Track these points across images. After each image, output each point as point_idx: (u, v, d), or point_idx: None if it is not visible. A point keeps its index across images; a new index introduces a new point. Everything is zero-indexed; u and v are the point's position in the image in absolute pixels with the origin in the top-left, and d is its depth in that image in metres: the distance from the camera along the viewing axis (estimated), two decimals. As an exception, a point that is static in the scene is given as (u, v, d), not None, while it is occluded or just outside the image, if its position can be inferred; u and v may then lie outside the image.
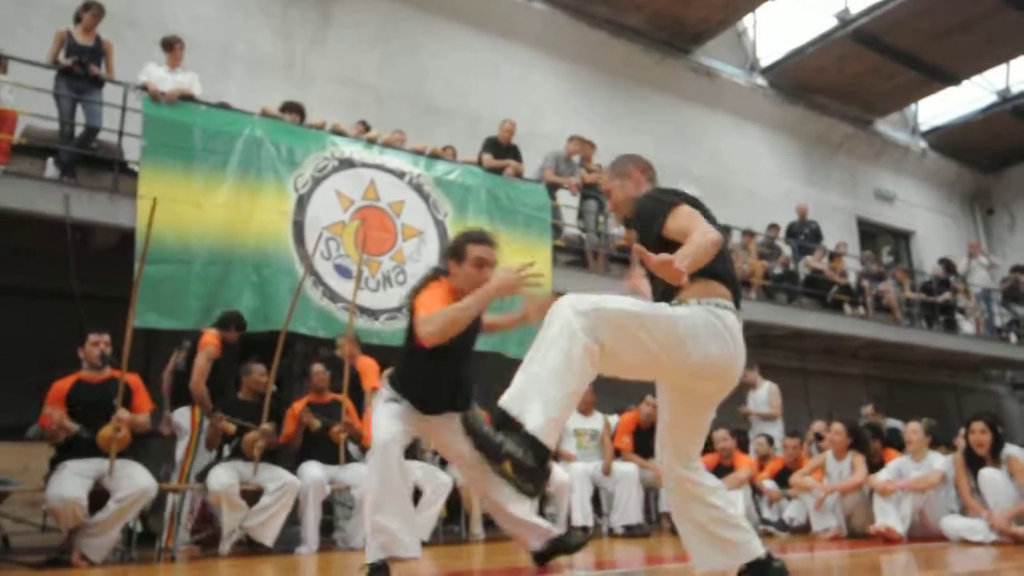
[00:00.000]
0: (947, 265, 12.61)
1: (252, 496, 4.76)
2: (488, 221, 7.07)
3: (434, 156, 7.45)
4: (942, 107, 14.87)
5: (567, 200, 8.53)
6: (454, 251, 3.11)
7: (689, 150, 12.31)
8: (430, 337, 2.85)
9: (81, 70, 6.06)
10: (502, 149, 8.07)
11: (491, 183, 7.55)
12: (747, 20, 12.84)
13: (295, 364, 7.04)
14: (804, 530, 6.15)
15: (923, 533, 5.51)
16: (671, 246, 2.23)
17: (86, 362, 4.54)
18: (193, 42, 6.98)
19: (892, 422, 8.85)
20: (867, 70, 12.92)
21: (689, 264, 2.07)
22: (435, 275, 3.16)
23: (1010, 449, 5.29)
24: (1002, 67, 13.51)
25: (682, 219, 2.37)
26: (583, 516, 5.90)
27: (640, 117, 11.88)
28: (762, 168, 13.36)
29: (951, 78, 13.34)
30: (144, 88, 6.06)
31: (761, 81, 13.29)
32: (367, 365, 5.75)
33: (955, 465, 5.59)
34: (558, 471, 6.04)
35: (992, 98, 14.23)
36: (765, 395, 8.22)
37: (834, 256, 11.29)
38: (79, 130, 6.11)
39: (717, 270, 2.42)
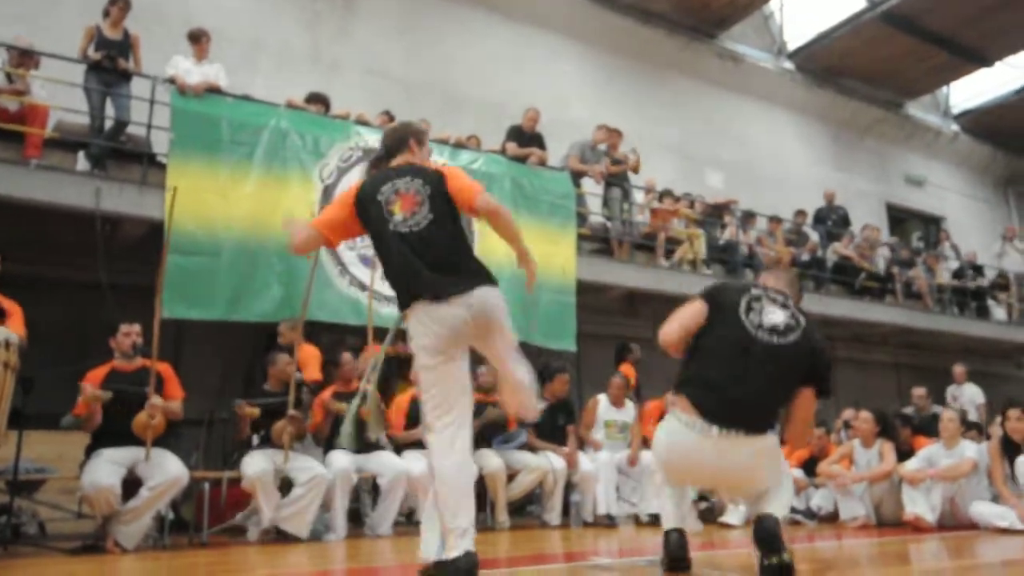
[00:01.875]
0: (974, 267, 12.42)
1: (281, 484, 4.82)
2: (513, 209, 7.04)
3: (458, 145, 7.45)
4: (975, 89, 14.53)
5: (592, 188, 8.49)
6: (416, 137, 3.08)
7: (716, 136, 12.18)
8: (491, 208, 2.79)
9: (110, 64, 6.14)
10: (526, 137, 8.04)
11: (515, 171, 7.53)
12: (773, 3, 12.64)
13: (323, 354, 7.10)
14: (832, 518, 6.11)
15: (953, 522, 5.45)
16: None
17: (118, 352, 4.62)
18: (219, 34, 7.03)
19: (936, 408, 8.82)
20: (897, 53, 12.67)
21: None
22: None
23: (1047, 438, 5.20)
24: (1038, 48, 13.16)
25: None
26: (607, 505, 5.91)
27: (666, 103, 11.77)
28: (789, 153, 13.17)
29: (984, 59, 13.03)
30: (172, 81, 6.12)
31: (788, 65, 13.09)
32: (308, 355, 5.70)
33: (989, 452, 5.51)
34: (584, 461, 6.06)
35: (1027, 79, 13.87)
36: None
37: (867, 243, 11.10)
38: (109, 124, 6.20)
39: (687, 376, 2.98)
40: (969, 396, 9.42)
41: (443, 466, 2.60)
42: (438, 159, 7.09)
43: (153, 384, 4.38)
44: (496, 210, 2.80)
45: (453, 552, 2.49)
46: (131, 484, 4.30)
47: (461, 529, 2.52)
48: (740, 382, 2.78)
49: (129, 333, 4.62)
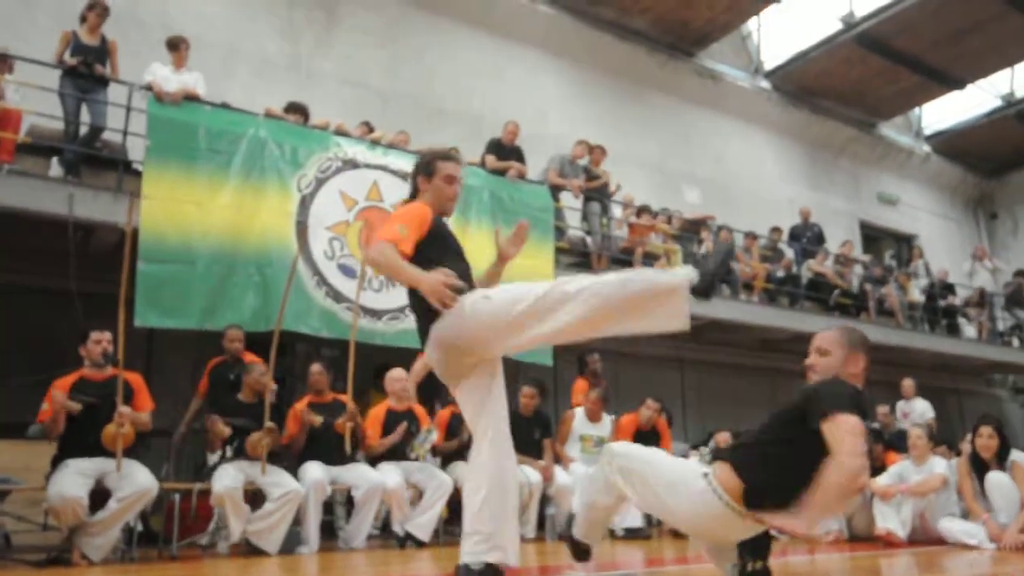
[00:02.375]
0: (944, 285, 12.60)
1: (253, 496, 4.76)
2: (491, 222, 7.08)
3: (437, 157, 7.44)
4: (946, 111, 14.85)
5: (571, 202, 8.53)
6: (424, 167, 3.09)
7: (693, 153, 12.31)
8: (370, 261, 2.92)
9: (86, 69, 6.08)
10: (506, 150, 8.07)
11: (494, 184, 7.56)
12: (751, 23, 12.83)
13: (297, 364, 7.05)
14: (805, 534, 6.14)
15: (924, 536, 5.51)
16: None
17: (88, 360, 4.54)
18: (198, 42, 6.99)
19: (901, 424, 8.95)
20: (871, 74, 12.91)
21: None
22: (411, 198, 3.12)
23: (1015, 455, 5.29)
24: (1007, 71, 13.49)
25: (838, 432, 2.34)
26: (583, 518, 5.89)
27: (644, 120, 11.89)
28: (766, 171, 13.35)
29: (956, 82, 13.32)
30: (149, 88, 6.07)
31: (765, 84, 13.29)
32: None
33: (959, 469, 5.59)
34: (560, 474, 6.05)
35: (996, 102, 14.20)
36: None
37: (842, 260, 11.26)
38: (84, 129, 6.13)
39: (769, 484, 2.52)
40: (919, 411, 9.48)
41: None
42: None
43: (121, 393, 4.31)
44: (370, 261, 2.97)
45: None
46: (99, 495, 4.22)
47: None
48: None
49: (100, 341, 4.54)
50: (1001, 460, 5.30)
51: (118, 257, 5.21)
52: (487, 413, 2.76)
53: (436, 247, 2.88)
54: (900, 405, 9.64)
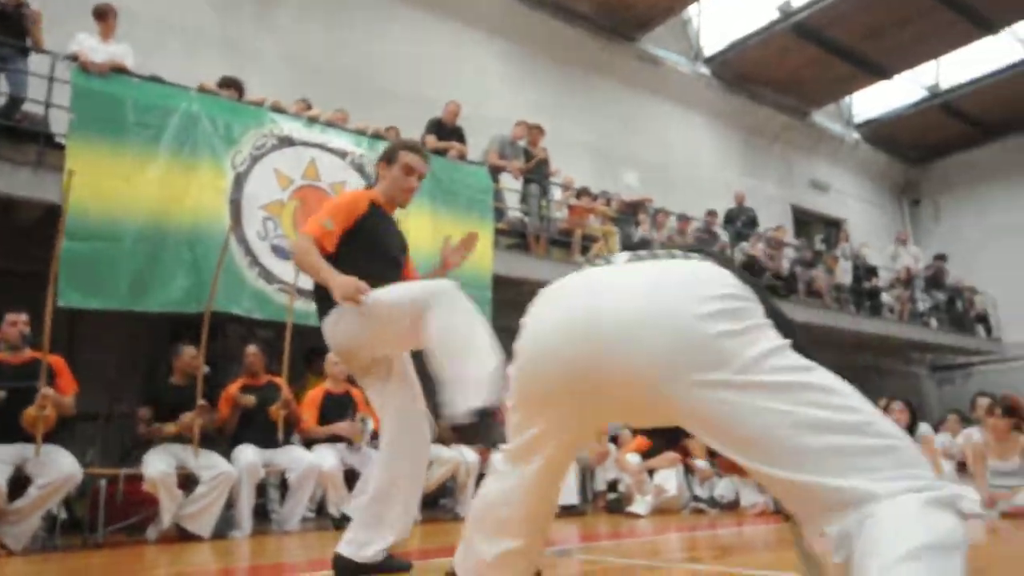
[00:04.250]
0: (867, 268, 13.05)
1: (184, 480, 4.68)
2: (430, 202, 7.05)
3: (377, 136, 7.36)
4: (875, 101, 15.36)
5: (510, 184, 8.55)
6: (387, 155, 3.09)
7: (635, 137, 12.44)
8: (293, 255, 2.95)
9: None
10: (446, 130, 8.02)
11: (434, 165, 7.48)
12: (692, 9, 12.98)
13: (230, 346, 6.91)
14: (733, 506, 6.38)
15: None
16: None
17: (3, 343, 4.38)
18: (127, 12, 6.71)
19: None
20: (806, 62, 13.24)
21: None
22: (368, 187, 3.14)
23: (923, 428, 5.61)
24: (932, 63, 14.01)
25: None
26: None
27: (586, 103, 11.95)
28: (704, 156, 13.60)
29: (883, 72, 13.77)
30: (74, 58, 5.82)
31: (704, 70, 13.49)
32: None
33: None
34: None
35: (923, 93, 14.76)
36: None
37: (774, 243, 11.60)
38: (2, 100, 5.84)
39: None
40: None
41: None
42: (356, 149, 7.01)
43: (44, 377, 4.17)
44: (293, 253, 3.04)
45: None
46: (19, 482, 4.09)
47: None
48: None
49: (16, 323, 4.38)
50: (911, 434, 5.61)
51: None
52: (385, 407, 2.81)
53: (363, 243, 2.85)
54: None
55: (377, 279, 2.66)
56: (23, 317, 4.40)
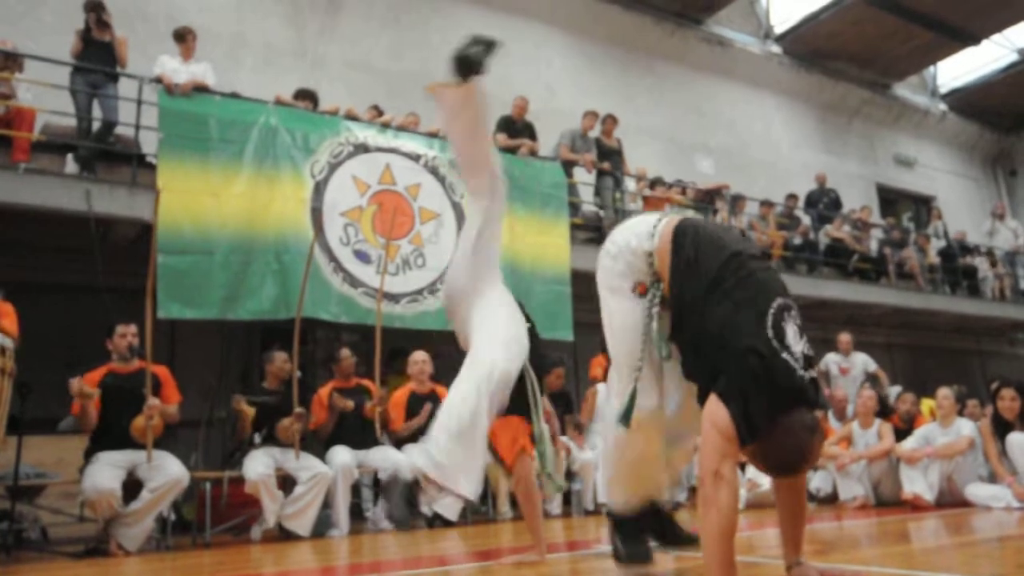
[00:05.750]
0: (963, 246, 12.31)
1: (282, 482, 4.82)
2: (506, 200, 7.05)
3: (447, 138, 7.41)
4: (961, 68, 14.57)
5: (583, 177, 8.48)
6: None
7: (704, 122, 12.18)
8: None
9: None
10: (516, 127, 8.02)
11: (506, 162, 7.48)
12: (760, -14, 12.62)
13: (318, 351, 7.10)
14: (832, 499, 6.15)
15: (952, 499, 5.49)
16: None
17: (115, 353, 4.61)
18: (203, 31, 6.97)
19: (895, 389, 8.47)
20: (883, 33, 12.67)
21: None
22: None
23: (1040, 416, 5.25)
24: (1022, 25, 13.18)
25: None
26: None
27: (654, 90, 11.76)
28: (779, 137, 13.19)
29: (971, 38, 13.05)
30: (158, 81, 6.07)
31: (775, 49, 13.08)
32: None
33: (982, 431, 5.56)
34: (584, 450, 6.08)
35: (1013, 57, 13.90)
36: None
37: (859, 224, 11.15)
38: (96, 125, 6.15)
39: None
40: (861, 366, 8.73)
41: None
42: (428, 152, 7.09)
43: (150, 386, 4.37)
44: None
45: None
46: (131, 486, 4.29)
47: None
48: None
49: (125, 335, 4.60)
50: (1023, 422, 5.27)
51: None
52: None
53: None
54: (833, 359, 8.56)
55: None
56: (132, 329, 4.62)
